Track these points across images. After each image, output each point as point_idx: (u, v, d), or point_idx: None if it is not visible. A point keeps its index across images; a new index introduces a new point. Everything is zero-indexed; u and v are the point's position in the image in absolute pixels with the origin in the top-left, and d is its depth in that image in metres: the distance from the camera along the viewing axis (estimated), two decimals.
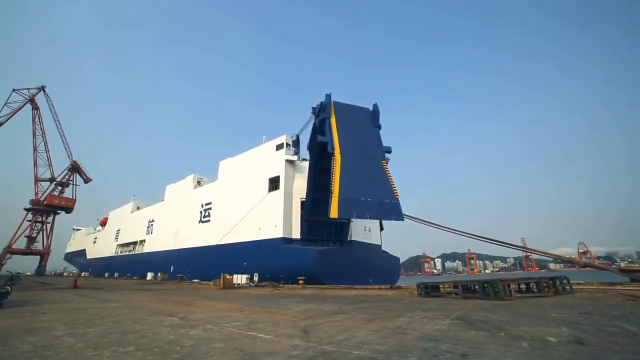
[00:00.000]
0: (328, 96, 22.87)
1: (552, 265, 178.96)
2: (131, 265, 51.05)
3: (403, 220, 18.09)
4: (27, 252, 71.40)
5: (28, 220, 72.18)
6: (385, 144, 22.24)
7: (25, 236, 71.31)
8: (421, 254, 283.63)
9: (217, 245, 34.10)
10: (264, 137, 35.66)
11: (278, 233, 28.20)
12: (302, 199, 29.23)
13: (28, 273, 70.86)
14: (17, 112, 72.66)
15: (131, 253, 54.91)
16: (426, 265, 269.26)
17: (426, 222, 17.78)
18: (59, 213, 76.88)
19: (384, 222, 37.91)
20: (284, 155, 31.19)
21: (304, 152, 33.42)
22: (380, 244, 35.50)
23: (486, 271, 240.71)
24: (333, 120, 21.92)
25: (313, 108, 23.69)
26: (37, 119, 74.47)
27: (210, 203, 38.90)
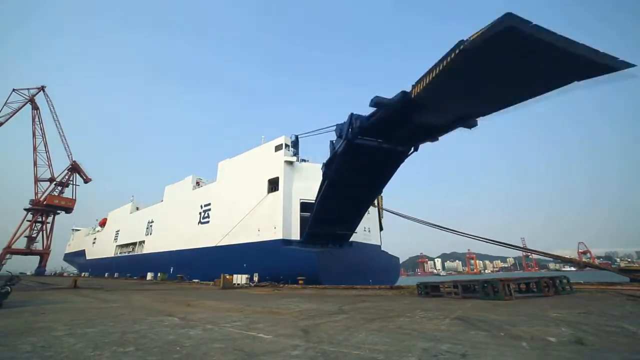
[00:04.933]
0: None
1: (552, 265, 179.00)
2: (131, 266, 51.05)
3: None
4: (27, 252, 71.48)
5: (28, 221, 72.27)
6: None
7: (25, 236, 71.39)
8: (422, 254, 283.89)
9: (216, 246, 34.09)
10: (262, 137, 35.62)
11: (277, 234, 28.17)
12: (302, 200, 29.22)
13: (28, 273, 70.88)
14: (17, 112, 72.77)
15: (130, 254, 54.91)
16: (426, 265, 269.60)
17: (425, 222, 17.75)
18: (58, 213, 76.96)
19: (383, 222, 37.97)
20: (283, 156, 31.16)
21: (303, 153, 33.41)
22: (379, 244, 35.50)
23: (486, 271, 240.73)
24: None
25: (338, 126, 16.94)
26: (37, 119, 74.61)
27: (209, 204, 38.87)
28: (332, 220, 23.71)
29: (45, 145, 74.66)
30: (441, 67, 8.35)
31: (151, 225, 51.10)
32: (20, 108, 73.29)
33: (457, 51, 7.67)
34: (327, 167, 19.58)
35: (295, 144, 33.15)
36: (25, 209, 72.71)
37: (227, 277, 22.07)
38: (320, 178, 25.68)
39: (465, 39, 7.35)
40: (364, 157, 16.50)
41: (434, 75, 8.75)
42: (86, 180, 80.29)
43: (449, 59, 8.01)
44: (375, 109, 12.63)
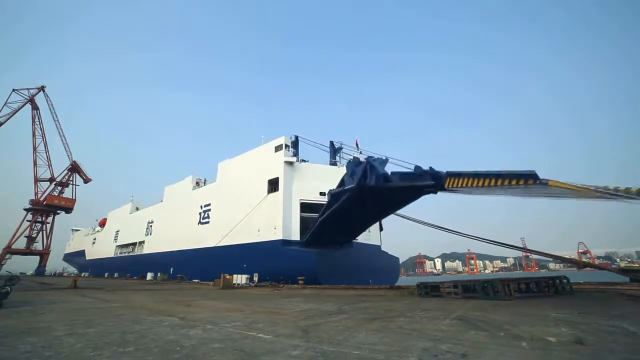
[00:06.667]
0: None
1: (552, 265, 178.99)
2: (131, 266, 51.04)
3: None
4: (27, 252, 71.45)
5: (28, 221, 72.25)
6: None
7: (25, 236, 71.36)
8: (420, 254, 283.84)
9: (216, 246, 34.08)
10: (262, 137, 35.59)
11: (277, 235, 28.17)
12: (302, 200, 29.24)
13: (28, 273, 70.89)
14: (16, 112, 72.74)
15: (130, 254, 54.90)
16: (425, 265, 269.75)
17: (425, 223, 17.72)
18: (58, 213, 76.93)
19: (383, 222, 37.97)
20: (282, 156, 31.15)
21: (303, 154, 33.43)
22: (379, 244, 35.49)
23: (486, 271, 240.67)
24: None
25: (350, 166, 17.41)
26: (36, 119, 74.58)
27: (209, 204, 38.86)
28: (333, 233, 23.76)
29: (45, 145, 74.71)
30: (495, 183, 9.03)
31: (151, 226, 51.08)
32: (20, 108, 73.27)
33: (522, 182, 8.47)
34: (334, 198, 19.09)
35: (295, 144, 33.19)
36: (25, 209, 72.68)
37: (227, 277, 22.04)
38: (321, 178, 25.60)
39: (539, 178, 8.19)
40: (375, 196, 16.50)
41: (483, 183, 9.39)
42: (86, 180, 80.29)
43: (507, 181, 8.74)
44: (391, 168, 13.38)
